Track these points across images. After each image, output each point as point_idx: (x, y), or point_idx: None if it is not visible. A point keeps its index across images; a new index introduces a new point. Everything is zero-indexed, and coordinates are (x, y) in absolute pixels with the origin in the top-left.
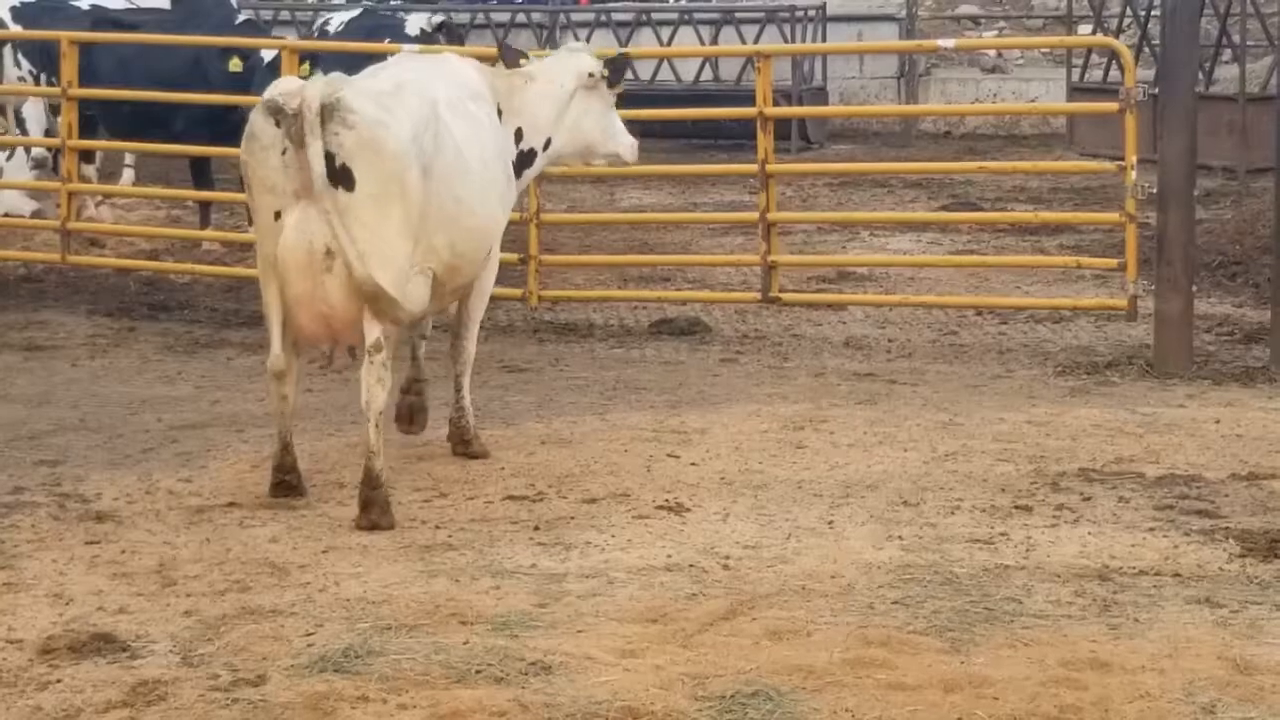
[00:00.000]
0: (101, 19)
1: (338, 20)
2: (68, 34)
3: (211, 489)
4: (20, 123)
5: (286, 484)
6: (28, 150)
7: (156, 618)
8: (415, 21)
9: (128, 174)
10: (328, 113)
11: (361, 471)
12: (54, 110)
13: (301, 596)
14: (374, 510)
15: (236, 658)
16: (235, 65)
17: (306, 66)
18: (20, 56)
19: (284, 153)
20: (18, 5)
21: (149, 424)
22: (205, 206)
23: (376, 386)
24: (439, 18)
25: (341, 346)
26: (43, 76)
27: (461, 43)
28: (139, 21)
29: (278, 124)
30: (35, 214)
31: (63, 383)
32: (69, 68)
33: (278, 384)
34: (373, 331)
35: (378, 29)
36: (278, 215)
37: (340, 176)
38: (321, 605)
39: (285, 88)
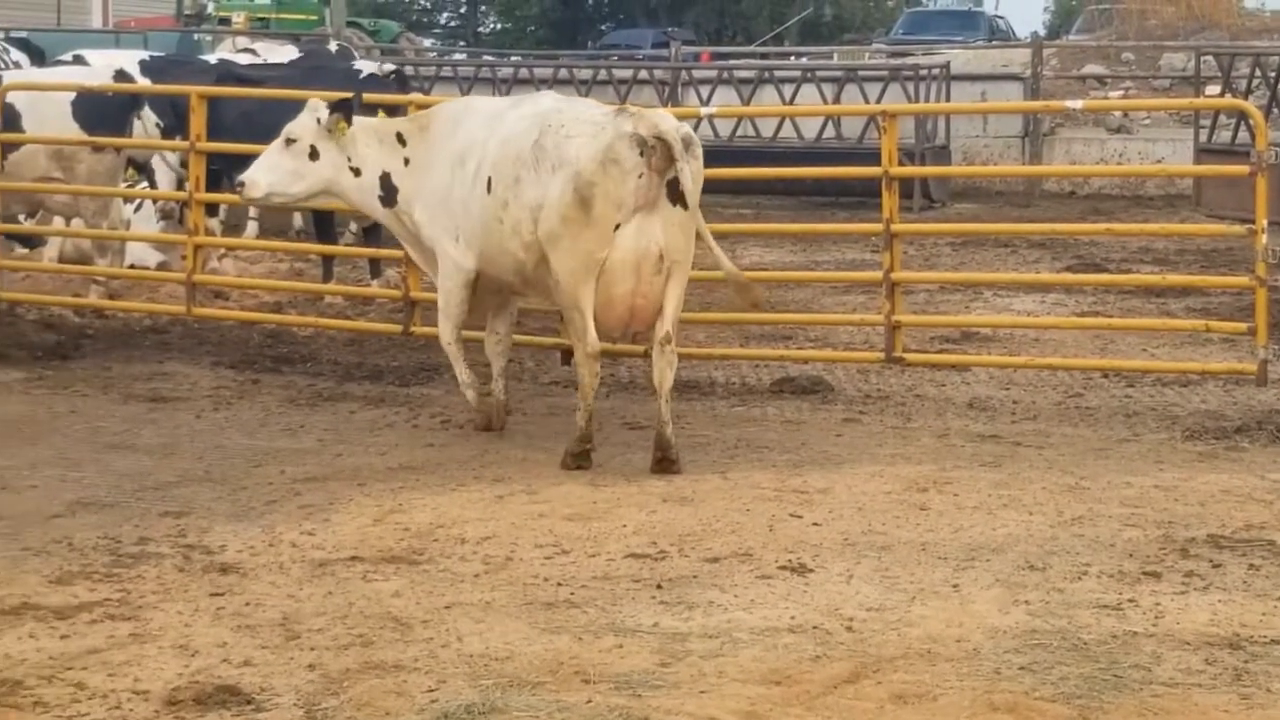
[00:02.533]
0: (226, 74)
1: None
2: (197, 89)
3: (334, 542)
4: (149, 175)
5: (586, 453)
6: (155, 202)
7: (280, 670)
8: (368, 67)
9: (252, 227)
10: (686, 145)
11: (659, 439)
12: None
13: (424, 652)
14: (672, 464)
15: (360, 712)
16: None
17: None
18: (147, 109)
19: (640, 176)
20: (146, 60)
21: (272, 476)
22: (328, 260)
23: (668, 370)
24: (390, 66)
25: (628, 334)
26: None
27: (408, 90)
28: (263, 77)
29: (641, 153)
30: (161, 266)
31: (187, 434)
32: (197, 121)
33: (594, 363)
34: (665, 325)
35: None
36: (616, 228)
37: (680, 197)
38: (444, 661)
39: (644, 123)
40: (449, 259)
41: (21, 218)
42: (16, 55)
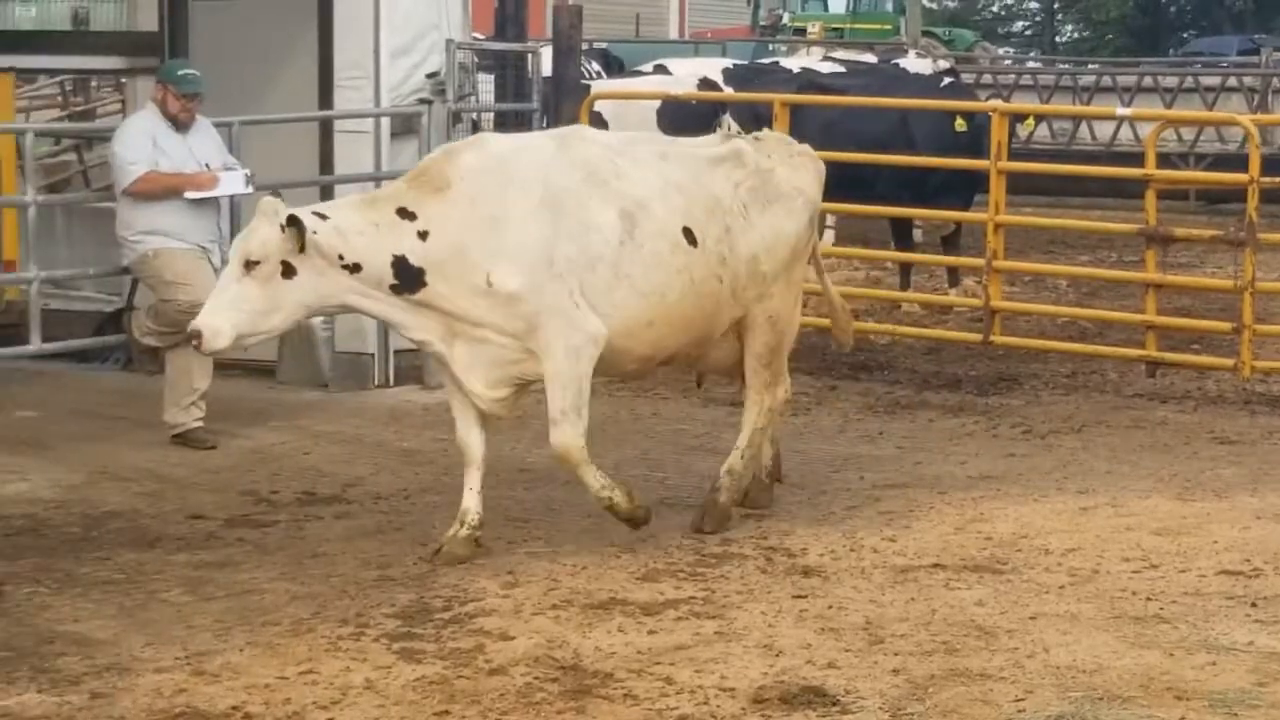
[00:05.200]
0: (808, 82)
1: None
2: (779, 96)
3: (915, 549)
4: None
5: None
6: None
7: (864, 674)
8: (922, 66)
9: (828, 235)
10: None
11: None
12: None
13: (1010, 661)
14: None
15: (945, 719)
16: (960, 125)
17: (1031, 122)
18: (729, 118)
19: None
20: (730, 68)
21: (851, 482)
22: (906, 268)
23: None
24: (944, 64)
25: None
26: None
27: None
28: (845, 85)
29: None
30: None
31: None
32: (780, 129)
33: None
34: None
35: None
36: None
37: None
38: (1031, 671)
39: None
40: (575, 331)
41: None
42: (597, 66)
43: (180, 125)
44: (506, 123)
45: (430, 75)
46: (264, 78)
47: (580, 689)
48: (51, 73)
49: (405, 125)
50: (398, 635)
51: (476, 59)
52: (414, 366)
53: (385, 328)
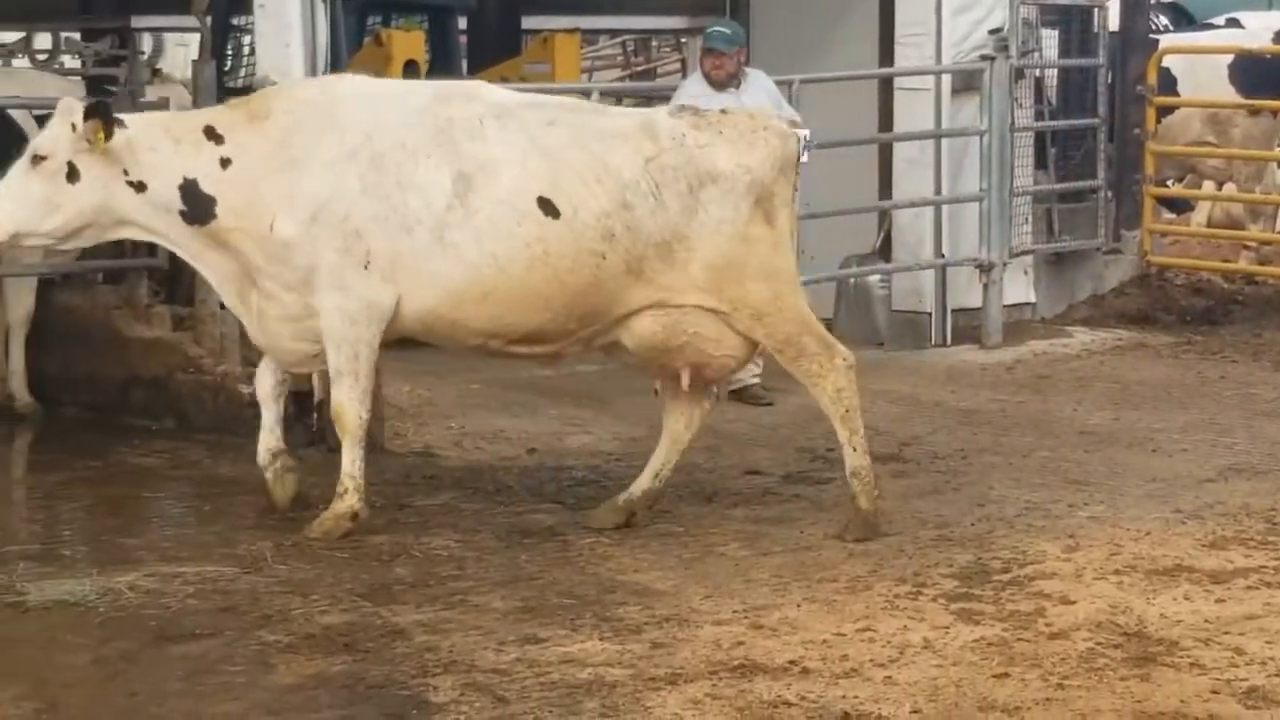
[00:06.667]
0: None
1: None
2: None
3: None
4: None
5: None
6: None
7: None
8: None
9: None
10: None
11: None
12: None
13: None
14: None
15: None
16: None
17: None
18: None
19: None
20: None
21: None
22: None
23: None
24: None
25: None
26: None
27: None
28: None
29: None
30: None
31: None
32: None
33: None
34: None
35: None
36: None
37: None
38: None
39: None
40: (350, 294)
41: (1170, 182)
42: (1165, 20)
43: (715, 83)
44: (1070, 79)
45: (993, 31)
46: (824, 35)
47: (1145, 656)
48: (613, 33)
49: (966, 82)
50: (956, 595)
51: (1041, 14)
52: (972, 327)
53: (942, 287)
